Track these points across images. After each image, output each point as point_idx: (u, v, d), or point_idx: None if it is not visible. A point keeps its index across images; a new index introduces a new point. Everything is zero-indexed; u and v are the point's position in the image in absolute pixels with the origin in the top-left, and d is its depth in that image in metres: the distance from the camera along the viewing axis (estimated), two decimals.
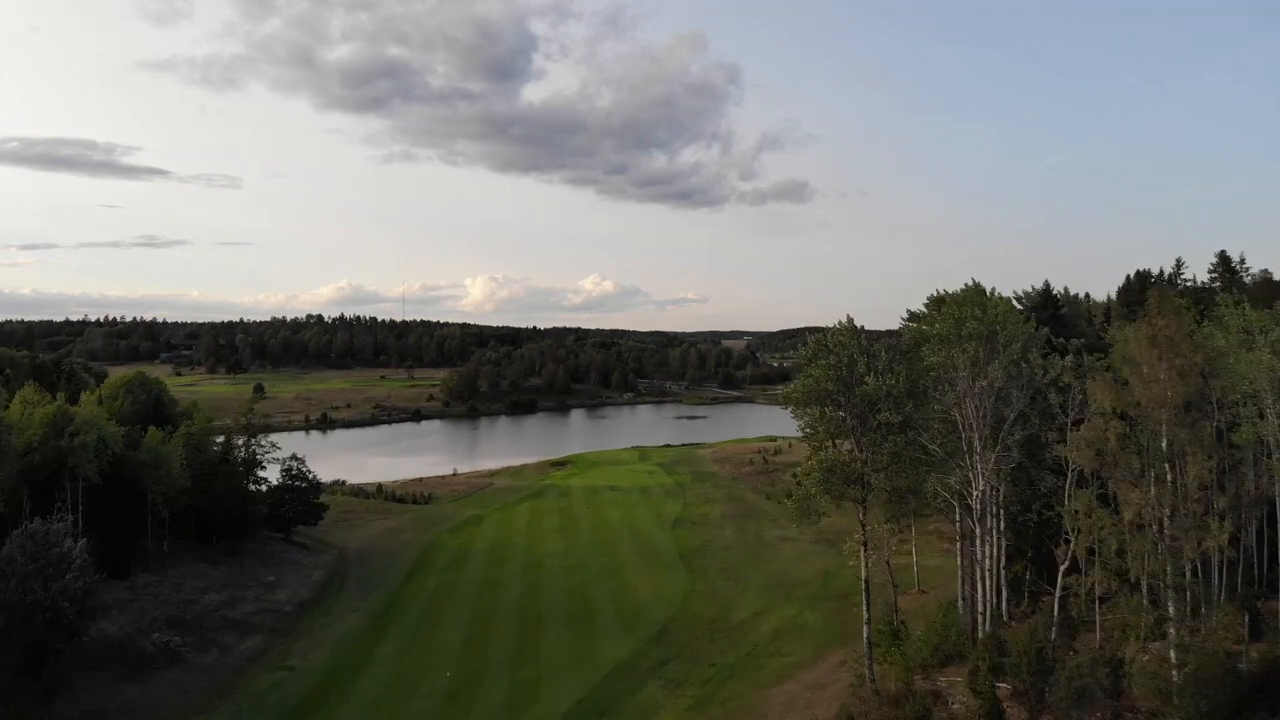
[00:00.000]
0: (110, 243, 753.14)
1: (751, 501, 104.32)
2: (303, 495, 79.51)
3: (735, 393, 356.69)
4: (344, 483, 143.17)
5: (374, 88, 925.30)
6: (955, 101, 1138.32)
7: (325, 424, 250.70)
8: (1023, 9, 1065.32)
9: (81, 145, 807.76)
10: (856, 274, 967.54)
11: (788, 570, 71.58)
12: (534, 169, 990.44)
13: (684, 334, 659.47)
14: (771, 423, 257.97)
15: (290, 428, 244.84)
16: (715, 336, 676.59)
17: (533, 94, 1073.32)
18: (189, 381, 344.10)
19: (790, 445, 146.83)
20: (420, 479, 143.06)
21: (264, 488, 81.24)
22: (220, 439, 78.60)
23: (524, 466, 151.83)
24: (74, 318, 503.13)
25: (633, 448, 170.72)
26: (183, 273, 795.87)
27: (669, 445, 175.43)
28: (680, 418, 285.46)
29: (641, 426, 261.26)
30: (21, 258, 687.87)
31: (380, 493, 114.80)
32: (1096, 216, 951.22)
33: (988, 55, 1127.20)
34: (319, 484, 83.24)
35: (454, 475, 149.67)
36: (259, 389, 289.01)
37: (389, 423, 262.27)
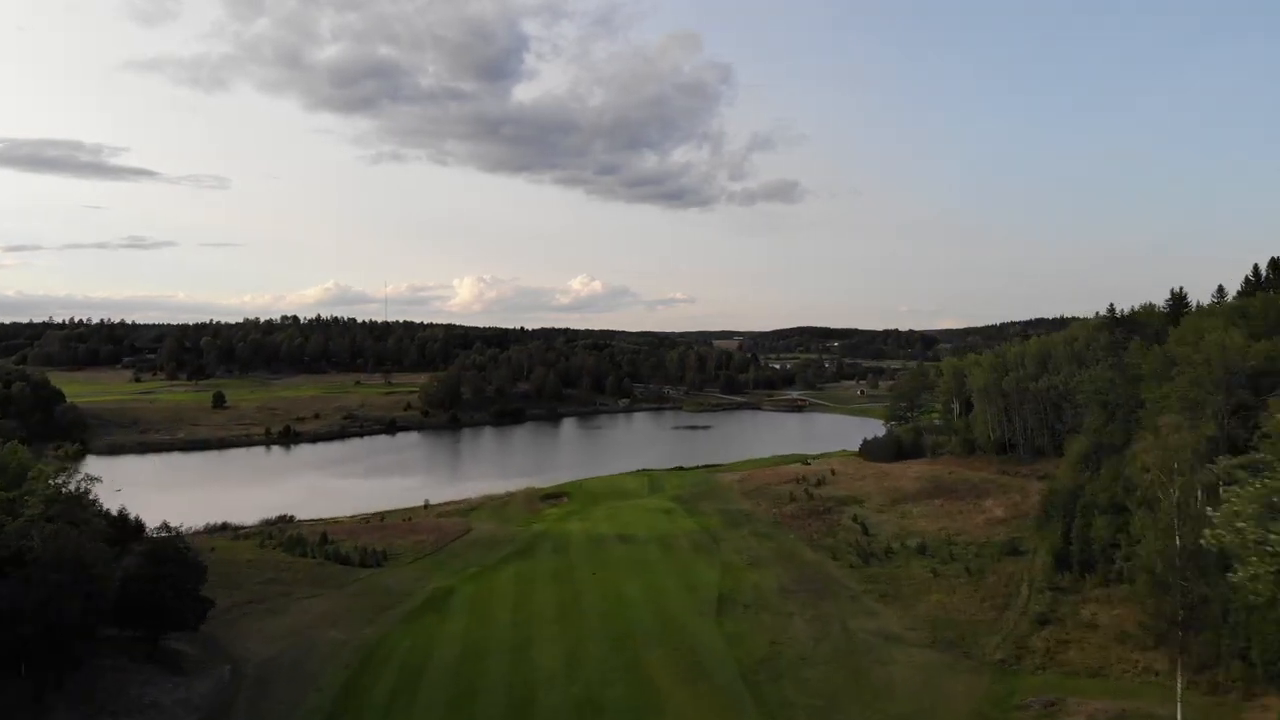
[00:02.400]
0: (96, 244, 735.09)
1: (812, 562, 78.46)
2: (176, 586, 52.91)
3: (739, 399, 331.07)
4: (292, 519, 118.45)
5: (363, 88, 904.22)
6: (950, 101, 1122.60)
7: (288, 438, 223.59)
8: (1017, 10, 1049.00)
9: (69, 146, 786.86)
10: (848, 274, 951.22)
11: (921, 710, 45.74)
12: (524, 169, 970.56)
13: (673, 334, 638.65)
14: (786, 435, 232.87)
15: (250, 442, 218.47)
16: (705, 337, 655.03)
17: (524, 94, 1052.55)
18: (146, 389, 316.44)
19: (833, 473, 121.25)
20: (381, 515, 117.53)
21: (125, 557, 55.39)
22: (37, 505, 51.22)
23: (510, 497, 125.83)
24: (59, 319, 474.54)
25: (639, 472, 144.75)
26: (170, 274, 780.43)
27: (680, 468, 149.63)
28: (682, 428, 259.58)
29: (641, 439, 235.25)
30: (6, 259, 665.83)
31: (323, 546, 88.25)
32: (1089, 216, 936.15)
33: (982, 55, 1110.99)
34: (200, 567, 56.52)
35: (425, 508, 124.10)
36: (219, 398, 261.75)
37: (360, 435, 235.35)
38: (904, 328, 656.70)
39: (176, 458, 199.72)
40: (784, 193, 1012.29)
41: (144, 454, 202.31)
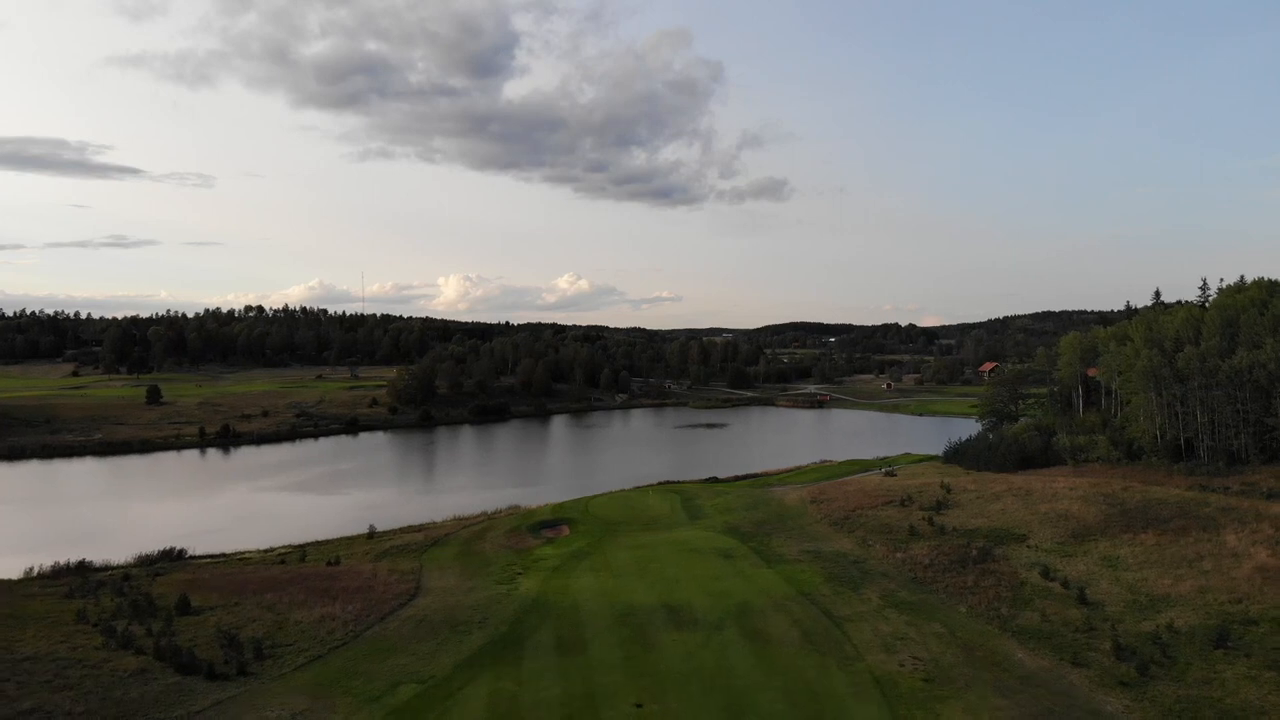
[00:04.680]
0: (78, 243, 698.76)
1: (1038, 674, 42.78)
2: None
3: (750, 393, 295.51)
4: (182, 555, 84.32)
5: (351, 84, 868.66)
6: (940, 101, 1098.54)
7: (227, 439, 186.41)
8: (1007, 9, 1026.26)
9: (52, 144, 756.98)
10: (834, 271, 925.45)
11: None
12: (513, 166, 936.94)
13: (662, 331, 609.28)
14: (818, 436, 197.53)
15: (180, 444, 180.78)
16: (694, 334, 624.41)
17: (514, 91, 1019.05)
18: (79, 384, 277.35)
19: (947, 489, 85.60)
20: (303, 550, 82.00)
21: None
22: None
23: (488, 523, 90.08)
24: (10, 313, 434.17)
25: (662, 486, 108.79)
26: (155, 272, 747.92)
27: (715, 479, 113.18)
28: (690, 426, 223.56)
29: (646, 440, 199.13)
30: None
31: (170, 625, 51.97)
32: (1079, 215, 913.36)
33: (972, 55, 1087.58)
34: None
35: (369, 538, 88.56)
36: (153, 393, 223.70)
37: (315, 436, 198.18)
38: (893, 323, 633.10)
39: (87, 463, 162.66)
40: (772, 191, 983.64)
41: (49, 458, 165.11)
